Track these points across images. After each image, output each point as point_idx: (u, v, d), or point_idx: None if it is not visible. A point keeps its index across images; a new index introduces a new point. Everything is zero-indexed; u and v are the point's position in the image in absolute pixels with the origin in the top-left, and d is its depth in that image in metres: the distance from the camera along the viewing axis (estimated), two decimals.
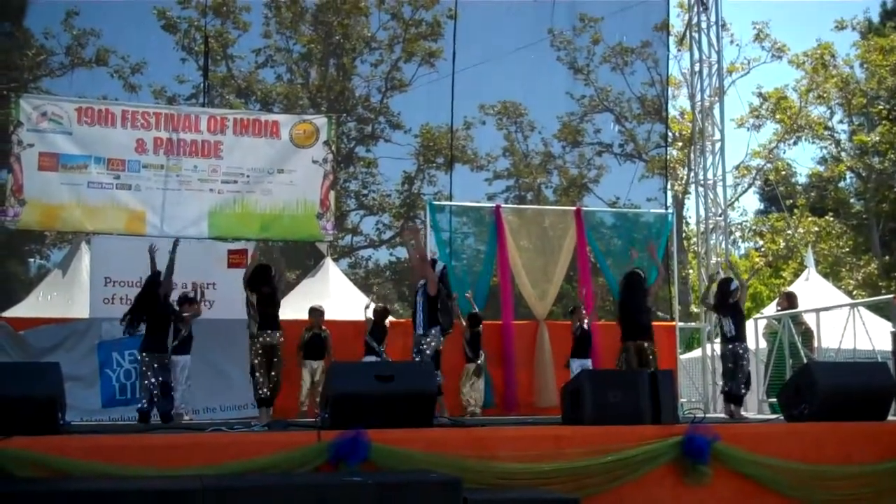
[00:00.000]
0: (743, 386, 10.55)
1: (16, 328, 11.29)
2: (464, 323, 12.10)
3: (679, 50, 23.81)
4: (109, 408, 11.41)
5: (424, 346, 10.20)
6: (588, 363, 11.89)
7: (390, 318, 12.46)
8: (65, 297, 14.59)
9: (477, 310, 12.41)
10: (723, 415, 11.10)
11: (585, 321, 12.23)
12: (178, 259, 10.51)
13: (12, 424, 6.26)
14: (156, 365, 9.95)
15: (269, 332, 9.83)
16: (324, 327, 11.77)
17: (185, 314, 10.73)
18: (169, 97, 23.23)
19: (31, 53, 22.68)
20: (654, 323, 11.55)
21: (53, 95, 15.44)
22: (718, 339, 11.88)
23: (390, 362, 10.75)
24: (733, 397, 10.59)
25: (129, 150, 12.52)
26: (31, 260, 25.60)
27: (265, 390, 9.75)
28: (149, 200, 12.48)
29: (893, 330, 10.74)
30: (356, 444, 6.45)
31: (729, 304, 10.78)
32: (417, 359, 10.09)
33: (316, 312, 11.86)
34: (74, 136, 12.35)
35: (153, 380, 9.89)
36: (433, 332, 10.30)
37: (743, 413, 10.55)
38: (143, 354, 10.03)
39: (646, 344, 10.58)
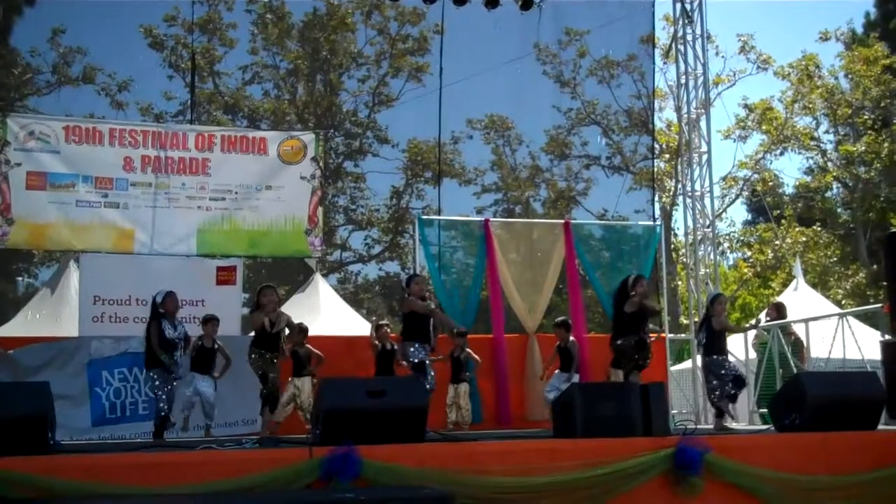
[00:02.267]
0: (731, 387, 10.37)
1: (4, 347, 11.22)
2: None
3: (665, 62, 24.12)
4: (99, 426, 11.29)
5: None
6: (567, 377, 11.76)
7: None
8: (53, 315, 14.54)
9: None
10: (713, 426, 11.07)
11: (569, 339, 12.04)
12: (167, 276, 10.43)
13: (1, 445, 6.22)
14: (157, 381, 9.85)
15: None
16: (306, 343, 11.47)
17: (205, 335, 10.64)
18: (156, 114, 23.29)
19: (17, 72, 22.69)
20: None
21: (40, 114, 15.43)
22: None
23: (382, 378, 10.67)
24: (714, 407, 10.60)
25: (116, 169, 12.50)
26: (20, 279, 25.57)
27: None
28: (137, 218, 12.46)
29: (882, 339, 10.75)
30: (348, 461, 6.42)
31: (706, 317, 10.74)
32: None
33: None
34: (62, 155, 12.33)
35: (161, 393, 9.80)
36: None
37: (728, 424, 10.45)
38: (152, 373, 9.82)
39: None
